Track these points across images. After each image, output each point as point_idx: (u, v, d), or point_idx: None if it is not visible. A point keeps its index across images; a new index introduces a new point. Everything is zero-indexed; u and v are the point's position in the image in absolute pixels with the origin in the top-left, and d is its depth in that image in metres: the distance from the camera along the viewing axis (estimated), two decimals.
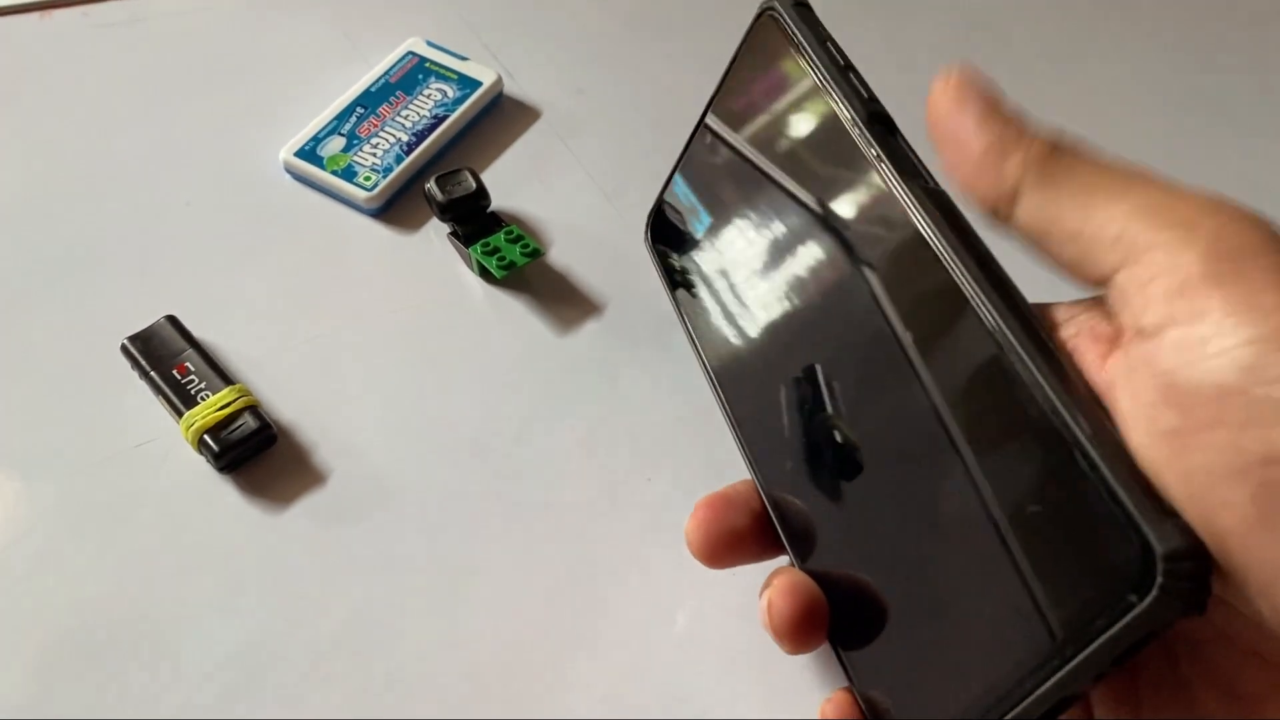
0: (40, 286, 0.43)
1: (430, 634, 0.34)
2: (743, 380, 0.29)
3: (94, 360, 0.40)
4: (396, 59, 0.50)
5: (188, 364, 0.39)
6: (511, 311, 0.43)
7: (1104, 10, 0.57)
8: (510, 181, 0.47)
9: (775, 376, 0.27)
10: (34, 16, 0.54)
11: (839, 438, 0.25)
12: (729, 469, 0.37)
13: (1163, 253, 0.16)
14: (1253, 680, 0.18)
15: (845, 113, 0.23)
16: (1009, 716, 0.18)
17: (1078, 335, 0.19)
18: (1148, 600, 0.16)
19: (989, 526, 0.19)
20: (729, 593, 0.35)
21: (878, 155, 0.22)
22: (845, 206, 0.24)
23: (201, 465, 0.38)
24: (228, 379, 0.39)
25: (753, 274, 0.28)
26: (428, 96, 0.49)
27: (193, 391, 0.38)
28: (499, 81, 0.50)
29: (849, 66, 0.24)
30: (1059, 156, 0.18)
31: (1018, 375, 0.18)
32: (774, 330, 0.28)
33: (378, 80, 0.49)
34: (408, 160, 0.46)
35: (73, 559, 0.36)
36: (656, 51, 0.53)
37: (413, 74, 0.50)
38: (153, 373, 0.39)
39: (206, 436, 0.37)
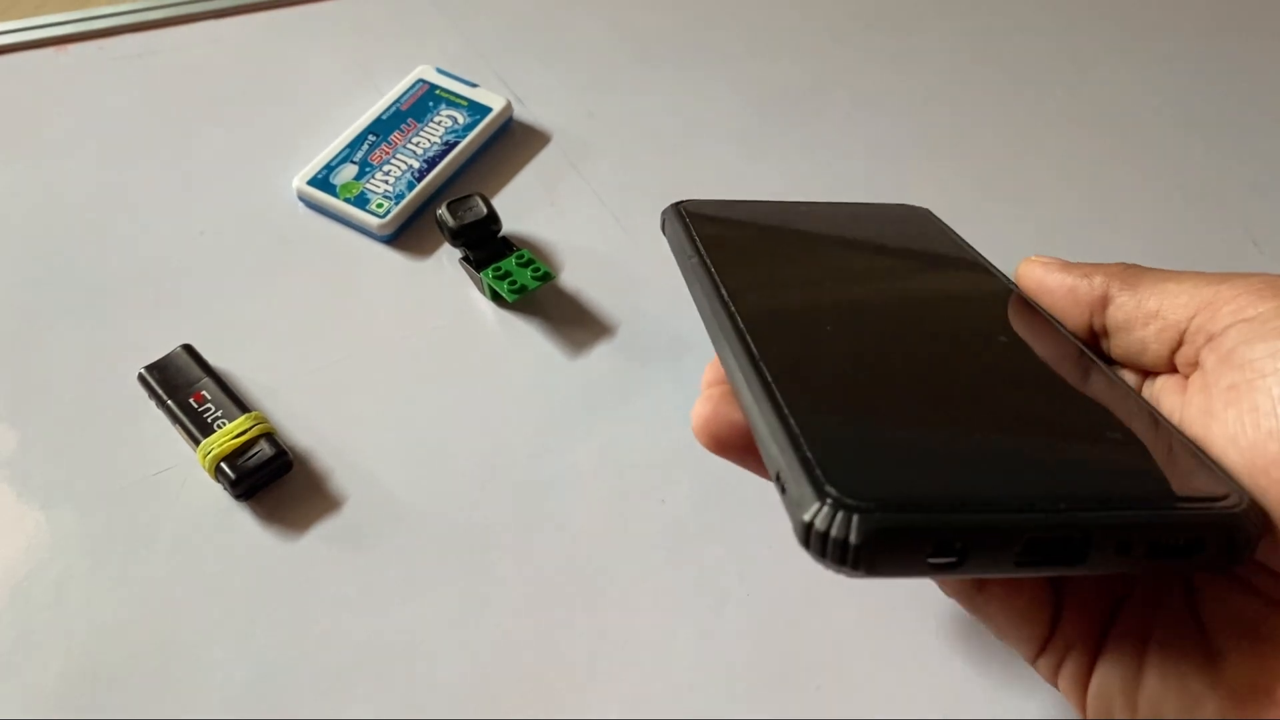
0: (57, 316, 0.43)
1: (446, 657, 0.34)
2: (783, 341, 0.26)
3: (111, 389, 0.41)
4: (407, 87, 0.51)
5: (204, 392, 0.39)
6: (523, 335, 0.43)
7: (1105, 26, 0.57)
8: (521, 206, 0.48)
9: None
10: (51, 50, 0.55)
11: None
12: (744, 489, 0.37)
13: (1226, 293, 0.23)
14: (1277, 627, 0.21)
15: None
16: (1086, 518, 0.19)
17: (1160, 388, 0.25)
18: (1232, 510, 0.19)
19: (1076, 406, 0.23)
20: (741, 614, 0.35)
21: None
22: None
23: (218, 492, 0.38)
24: (243, 406, 0.39)
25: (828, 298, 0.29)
26: (438, 123, 0.49)
27: (209, 419, 0.38)
28: (509, 107, 0.50)
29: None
30: (1131, 269, 0.25)
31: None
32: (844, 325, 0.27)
33: (389, 108, 0.50)
34: (419, 187, 0.47)
35: (91, 587, 0.36)
36: (665, 75, 0.54)
37: (423, 101, 0.50)
38: (169, 401, 0.39)
39: (223, 464, 0.37)
